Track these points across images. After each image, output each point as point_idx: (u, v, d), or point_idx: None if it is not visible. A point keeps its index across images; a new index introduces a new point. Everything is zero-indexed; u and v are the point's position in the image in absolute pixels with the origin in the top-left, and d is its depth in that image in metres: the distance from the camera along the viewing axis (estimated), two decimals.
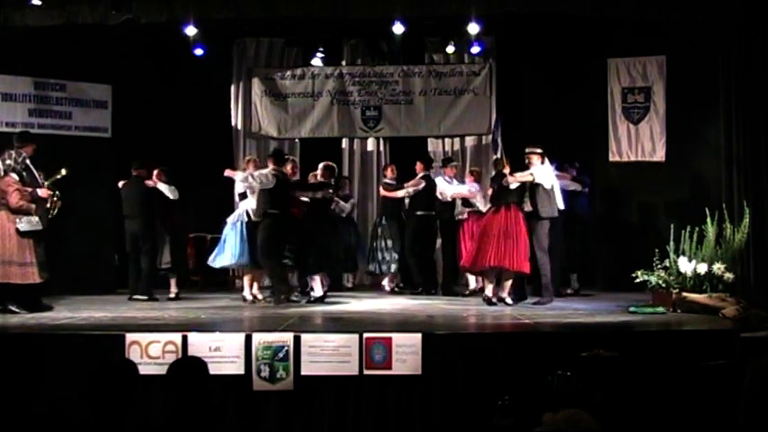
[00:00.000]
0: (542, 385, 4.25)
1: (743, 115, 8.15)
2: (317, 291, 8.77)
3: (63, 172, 8.37)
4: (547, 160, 8.48)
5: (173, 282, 9.44)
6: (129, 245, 9.33)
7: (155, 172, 9.37)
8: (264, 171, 8.72)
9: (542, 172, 8.38)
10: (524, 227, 8.26)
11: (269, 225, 8.53)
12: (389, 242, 9.99)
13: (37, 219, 7.78)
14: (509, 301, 8.32)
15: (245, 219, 9.07)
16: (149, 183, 9.32)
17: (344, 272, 10.22)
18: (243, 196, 9.26)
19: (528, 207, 8.38)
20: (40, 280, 7.81)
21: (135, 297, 9.15)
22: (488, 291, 8.46)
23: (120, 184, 9.44)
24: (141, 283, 9.24)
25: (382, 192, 10.21)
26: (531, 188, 8.36)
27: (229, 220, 9.24)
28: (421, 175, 9.83)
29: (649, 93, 10.33)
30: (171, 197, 9.34)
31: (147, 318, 7.49)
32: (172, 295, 9.32)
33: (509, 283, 8.38)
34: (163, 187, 9.31)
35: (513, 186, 8.34)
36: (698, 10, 8.14)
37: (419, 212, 9.75)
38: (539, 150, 8.44)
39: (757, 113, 8.04)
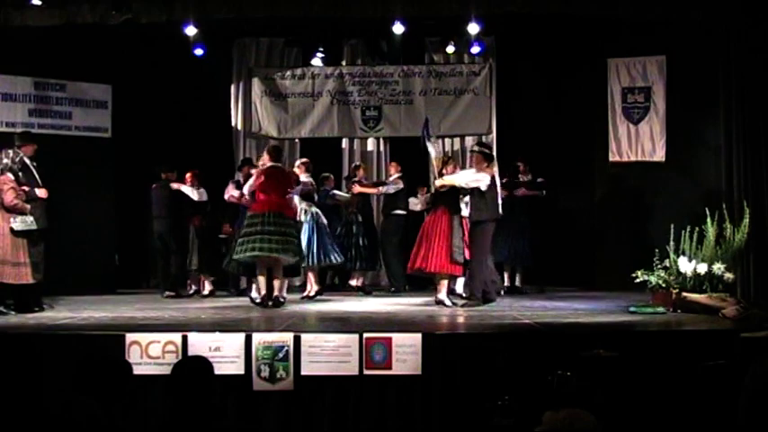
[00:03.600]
0: (542, 385, 4.25)
1: (743, 115, 8.16)
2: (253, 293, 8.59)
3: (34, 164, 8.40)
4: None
5: (206, 281, 9.80)
6: (157, 243, 9.71)
7: (187, 175, 9.72)
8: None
9: (464, 176, 8.36)
10: (447, 228, 8.18)
11: None
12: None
13: (32, 218, 7.74)
14: (447, 302, 8.27)
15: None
16: (174, 186, 9.64)
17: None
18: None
19: (465, 211, 8.40)
20: (33, 280, 7.78)
21: (168, 294, 9.52)
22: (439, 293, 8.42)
23: (153, 186, 9.72)
24: (170, 280, 9.69)
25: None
26: (472, 191, 8.25)
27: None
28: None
29: (649, 93, 10.34)
30: (195, 199, 9.67)
31: (147, 318, 7.49)
32: (206, 293, 9.72)
33: (444, 283, 8.37)
34: (186, 189, 9.66)
35: (442, 189, 8.34)
36: (698, 10, 8.14)
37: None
38: (479, 150, 8.48)
39: (757, 113, 8.06)
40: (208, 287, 9.78)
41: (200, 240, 9.73)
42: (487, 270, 8.41)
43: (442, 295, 8.31)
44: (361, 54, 11.61)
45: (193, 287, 9.92)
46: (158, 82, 10.66)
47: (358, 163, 10.80)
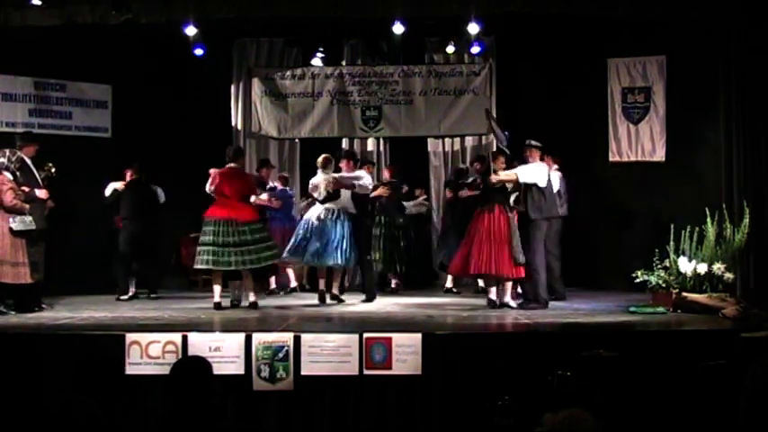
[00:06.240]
0: (542, 385, 4.25)
1: (743, 115, 8.16)
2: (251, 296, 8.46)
3: (52, 169, 8.40)
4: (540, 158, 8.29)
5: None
6: (126, 246, 9.39)
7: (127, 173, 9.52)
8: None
9: (531, 171, 8.08)
10: (507, 229, 7.94)
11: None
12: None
13: (30, 218, 7.73)
14: (512, 304, 8.12)
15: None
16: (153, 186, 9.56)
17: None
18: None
19: (521, 208, 8.12)
20: (32, 280, 7.77)
21: (122, 298, 9.27)
22: (492, 294, 8.27)
23: (120, 185, 9.46)
24: (150, 282, 9.57)
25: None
26: (525, 188, 8.07)
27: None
28: None
29: (649, 93, 10.33)
30: (161, 201, 9.62)
31: (147, 318, 7.49)
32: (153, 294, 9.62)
33: (509, 285, 8.21)
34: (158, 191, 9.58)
35: (497, 186, 8.10)
36: (698, 10, 8.14)
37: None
38: (536, 144, 8.23)
39: (757, 113, 8.06)
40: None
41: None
42: (550, 270, 8.30)
43: (507, 297, 8.17)
44: (361, 54, 11.62)
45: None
46: (158, 82, 10.65)
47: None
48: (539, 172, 8.12)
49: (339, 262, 8.70)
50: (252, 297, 8.38)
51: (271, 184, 10.03)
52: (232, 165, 8.40)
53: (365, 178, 8.95)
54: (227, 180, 8.27)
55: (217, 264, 8.14)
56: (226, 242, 8.10)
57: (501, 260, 7.92)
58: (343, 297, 8.98)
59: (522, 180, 8.05)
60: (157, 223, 9.62)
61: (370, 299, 8.96)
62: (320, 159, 8.99)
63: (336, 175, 8.83)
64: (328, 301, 8.85)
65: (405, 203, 10.36)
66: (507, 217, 8.03)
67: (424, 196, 10.98)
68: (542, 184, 8.08)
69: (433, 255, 10.34)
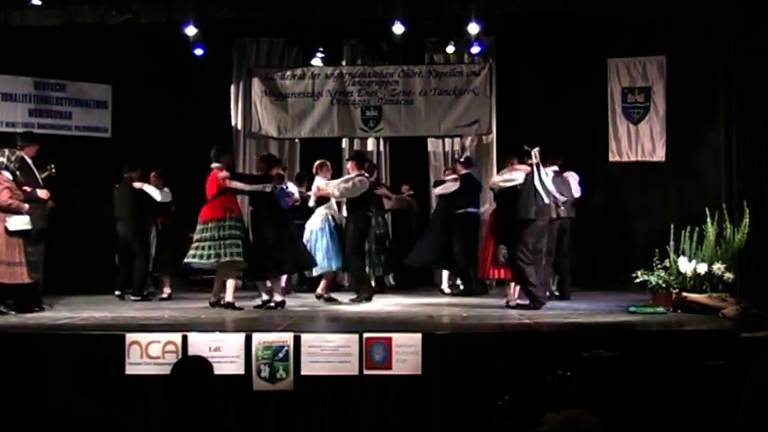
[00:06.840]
0: (542, 385, 4.25)
1: (743, 115, 8.17)
2: (277, 296, 8.35)
3: (53, 169, 8.40)
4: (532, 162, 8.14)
5: (165, 282, 9.56)
6: (120, 246, 9.39)
7: (151, 174, 9.47)
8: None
9: (506, 174, 8.17)
10: (490, 231, 8.32)
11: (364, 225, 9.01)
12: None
13: (28, 218, 7.69)
14: (511, 303, 8.22)
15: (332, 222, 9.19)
16: (136, 185, 9.35)
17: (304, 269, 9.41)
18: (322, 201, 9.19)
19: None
20: (30, 280, 7.74)
21: (128, 298, 9.24)
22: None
23: (116, 186, 9.48)
24: (134, 283, 9.36)
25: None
26: (508, 191, 8.14)
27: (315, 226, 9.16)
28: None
29: (649, 93, 10.34)
30: (158, 199, 9.40)
31: (147, 318, 7.49)
32: (164, 296, 9.45)
33: (512, 285, 8.28)
34: (149, 189, 9.37)
35: (495, 190, 8.45)
36: (698, 10, 8.14)
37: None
38: (526, 150, 8.19)
39: (757, 113, 8.06)
40: (166, 290, 9.50)
41: (160, 241, 9.48)
42: (538, 272, 8.12)
43: (510, 298, 8.24)
44: (361, 54, 11.63)
45: (151, 288, 9.64)
46: (158, 82, 10.65)
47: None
48: (513, 175, 8.11)
49: (325, 267, 9.09)
50: (229, 297, 8.29)
51: None
52: (214, 165, 8.39)
53: (351, 182, 8.88)
54: (207, 184, 8.36)
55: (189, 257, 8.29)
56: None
57: (483, 262, 8.46)
58: (335, 297, 9.04)
59: (498, 185, 8.25)
60: (148, 224, 9.50)
61: (368, 299, 8.94)
62: (314, 166, 9.36)
63: (318, 184, 9.12)
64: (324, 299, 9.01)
65: (385, 200, 10.33)
66: (493, 220, 8.40)
67: (410, 192, 10.91)
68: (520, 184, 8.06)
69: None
